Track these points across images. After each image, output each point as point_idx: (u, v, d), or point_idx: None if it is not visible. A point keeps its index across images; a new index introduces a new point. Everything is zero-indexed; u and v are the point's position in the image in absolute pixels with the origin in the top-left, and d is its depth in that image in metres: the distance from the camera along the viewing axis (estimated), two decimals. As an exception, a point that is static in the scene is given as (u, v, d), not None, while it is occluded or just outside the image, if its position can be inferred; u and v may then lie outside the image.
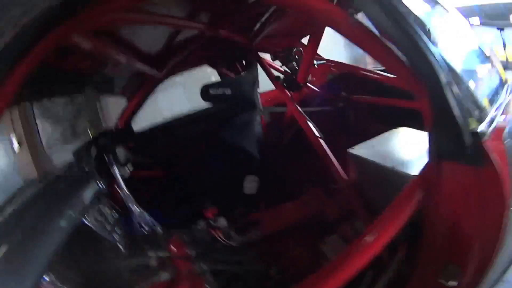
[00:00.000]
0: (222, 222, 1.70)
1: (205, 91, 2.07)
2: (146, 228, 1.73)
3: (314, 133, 1.97)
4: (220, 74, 2.20)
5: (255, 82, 2.14)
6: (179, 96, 3.71)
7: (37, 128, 1.66)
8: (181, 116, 2.62)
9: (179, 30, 1.62)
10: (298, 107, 2.14)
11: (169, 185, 2.36)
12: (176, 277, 1.61)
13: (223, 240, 1.66)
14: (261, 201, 2.18)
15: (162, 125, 2.59)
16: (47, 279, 1.33)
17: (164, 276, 1.65)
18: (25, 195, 1.42)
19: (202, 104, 2.31)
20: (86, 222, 1.56)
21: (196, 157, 2.41)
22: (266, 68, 2.29)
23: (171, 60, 1.96)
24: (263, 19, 1.71)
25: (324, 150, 1.89)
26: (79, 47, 1.26)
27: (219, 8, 1.48)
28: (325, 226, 1.76)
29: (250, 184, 2.12)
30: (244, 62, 2.17)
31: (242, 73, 2.23)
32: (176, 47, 1.83)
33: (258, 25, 1.80)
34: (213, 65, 2.22)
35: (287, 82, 2.29)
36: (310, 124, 2.02)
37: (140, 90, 2.32)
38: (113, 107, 2.38)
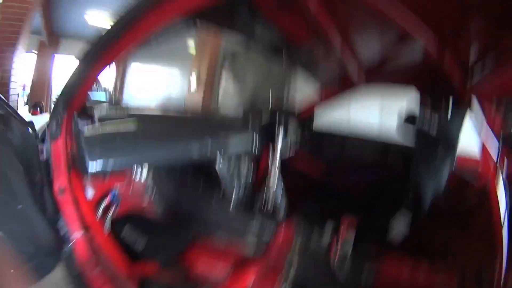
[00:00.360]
0: (350, 237, 1.48)
1: (410, 120, 1.87)
2: (269, 206, 1.72)
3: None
4: (421, 103, 1.90)
5: (460, 129, 1.75)
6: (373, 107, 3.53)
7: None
8: (368, 139, 2.43)
9: (402, 36, 1.43)
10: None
11: (319, 188, 2.29)
12: (259, 260, 1.55)
13: (335, 259, 1.46)
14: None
15: (348, 137, 2.45)
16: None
17: (249, 252, 1.61)
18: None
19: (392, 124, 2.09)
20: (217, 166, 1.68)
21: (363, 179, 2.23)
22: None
23: (381, 68, 1.82)
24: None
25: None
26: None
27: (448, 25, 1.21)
28: None
29: (400, 224, 1.76)
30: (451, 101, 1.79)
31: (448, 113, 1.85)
32: (390, 55, 1.67)
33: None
34: (419, 90, 1.95)
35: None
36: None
37: (335, 88, 2.28)
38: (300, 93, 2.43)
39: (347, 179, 2.22)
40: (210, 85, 5.30)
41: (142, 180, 1.89)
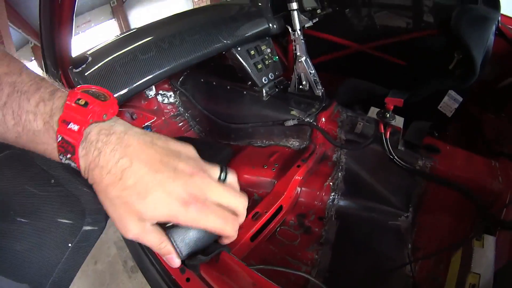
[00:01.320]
0: (400, 123, 1.18)
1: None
2: (306, 87, 1.42)
3: None
4: None
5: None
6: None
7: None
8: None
9: None
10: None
11: (351, 57, 1.87)
12: (306, 152, 1.33)
13: (387, 145, 1.18)
14: (452, 126, 1.47)
15: None
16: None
17: (294, 144, 1.41)
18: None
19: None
20: (233, 50, 1.42)
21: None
22: None
23: None
24: None
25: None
26: None
27: None
28: (491, 219, 1.00)
29: (450, 102, 1.37)
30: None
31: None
32: None
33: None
34: None
35: None
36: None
37: None
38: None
39: (380, 46, 1.76)
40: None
41: (170, 105, 1.78)
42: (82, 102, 0.43)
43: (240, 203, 0.49)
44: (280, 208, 1.19)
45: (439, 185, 1.17)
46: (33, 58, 6.88)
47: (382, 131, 1.17)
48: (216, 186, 0.46)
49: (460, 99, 1.33)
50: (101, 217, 1.15)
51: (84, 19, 7.08)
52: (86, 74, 1.14)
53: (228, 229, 0.47)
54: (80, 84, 1.06)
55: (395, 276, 1.07)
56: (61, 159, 0.45)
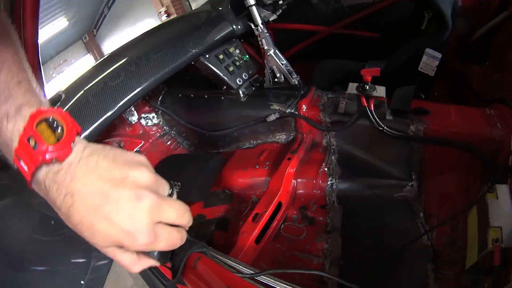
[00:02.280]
0: (382, 92, 1.15)
1: None
2: (281, 79, 1.40)
3: None
4: None
5: None
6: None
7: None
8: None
9: None
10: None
11: (324, 41, 1.85)
12: (295, 143, 1.31)
13: (373, 118, 1.14)
14: (435, 84, 1.46)
15: None
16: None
17: (281, 137, 1.38)
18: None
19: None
20: (202, 59, 1.40)
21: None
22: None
23: None
24: None
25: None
26: None
27: None
28: (500, 168, 0.96)
29: (429, 61, 1.34)
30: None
31: None
32: None
33: None
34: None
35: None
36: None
37: None
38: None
39: (350, 24, 1.74)
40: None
41: (155, 126, 1.76)
42: (32, 142, 0.41)
43: (188, 221, 0.48)
44: (279, 205, 1.16)
45: (437, 147, 1.14)
46: None
47: (365, 104, 1.14)
48: (166, 206, 0.45)
49: (439, 55, 1.30)
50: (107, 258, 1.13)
51: (59, 60, 7.14)
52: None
53: (178, 243, 0.47)
54: None
55: (413, 249, 1.04)
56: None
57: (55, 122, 0.43)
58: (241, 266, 0.61)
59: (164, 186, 0.48)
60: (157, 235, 0.43)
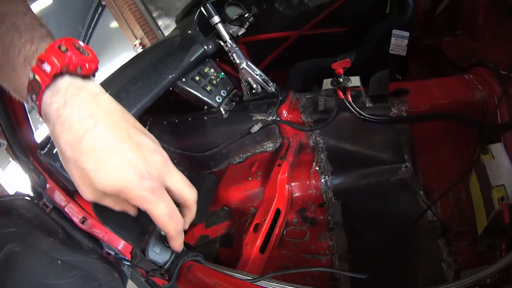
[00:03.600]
0: (356, 81, 1.17)
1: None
2: (259, 90, 1.42)
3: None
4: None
5: None
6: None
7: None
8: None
9: None
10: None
11: (295, 45, 1.90)
12: (283, 149, 1.32)
13: (353, 108, 1.17)
14: (412, 64, 1.50)
15: None
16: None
17: (269, 146, 1.40)
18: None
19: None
20: (179, 83, 1.43)
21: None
22: None
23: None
24: None
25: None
26: None
27: None
28: (490, 128, 0.98)
29: (398, 41, 1.38)
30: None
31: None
32: None
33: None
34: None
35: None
36: None
37: None
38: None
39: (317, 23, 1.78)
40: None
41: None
42: (63, 48, 0.42)
43: (192, 194, 0.49)
44: (278, 212, 1.17)
45: (423, 123, 1.16)
46: (10, 160, 6.88)
47: (342, 97, 1.17)
48: (175, 170, 0.47)
49: (407, 34, 1.35)
50: (118, 283, 1.14)
51: None
52: (54, 152, 1.14)
53: (171, 225, 0.47)
54: (52, 163, 1.11)
55: (421, 228, 1.04)
56: (28, 100, 0.43)
57: (81, 48, 0.44)
58: (239, 274, 0.63)
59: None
60: (162, 193, 0.44)
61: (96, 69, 0.46)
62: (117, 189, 0.41)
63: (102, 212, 0.49)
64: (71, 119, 0.40)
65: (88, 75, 0.44)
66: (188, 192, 0.48)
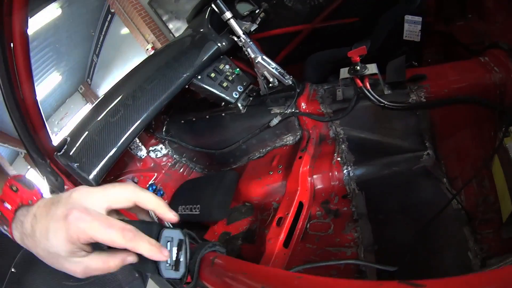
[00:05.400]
0: (373, 69, 1.15)
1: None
2: (275, 83, 1.41)
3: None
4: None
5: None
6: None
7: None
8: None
9: None
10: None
11: (307, 38, 1.89)
12: (303, 142, 1.31)
13: (372, 96, 1.15)
14: (425, 51, 1.47)
15: None
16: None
17: (288, 139, 1.39)
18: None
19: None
20: (195, 81, 1.43)
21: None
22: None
23: None
24: None
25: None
26: None
27: None
28: (509, 109, 0.96)
29: (411, 27, 1.35)
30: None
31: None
32: None
33: None
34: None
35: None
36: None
37: None
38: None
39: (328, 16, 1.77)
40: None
41: (165, 157, 1.78)
42: (14, 188, 0.58)
43: (114, 234, 0.52)
44: (300, 205, 1.16)
45: (443, 108, 1.13)
46: (29, 167, 7.03)
47: (361, 85, 1.15)
48: (89, 220, 0.52)
49: (419, 19, 1.32)
50: (138, 282, 1.14)
51: (60, 114, 7.35)
52: (70, 153, 1.18)
53: (116, 234, 0.52)
54: (69, 164, 1.17)
55: (446, 216, 1.00)
56: (0, 229, 0.58)
57: (26, 183, 0.60)
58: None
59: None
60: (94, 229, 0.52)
61: (41, 197, 0.60)
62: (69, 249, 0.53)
63: None
64: (28, 229, 0.55)
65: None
66: (111, 233, 0.52)
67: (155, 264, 0.56)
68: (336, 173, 1.27)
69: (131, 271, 1.09)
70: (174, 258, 0.58)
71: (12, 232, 0.56)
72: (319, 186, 1.28)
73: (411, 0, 1.26)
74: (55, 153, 1.18)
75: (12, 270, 0.89)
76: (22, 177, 0.61)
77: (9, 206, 0.56)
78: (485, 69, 1.05)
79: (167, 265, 0.57)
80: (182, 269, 0.58)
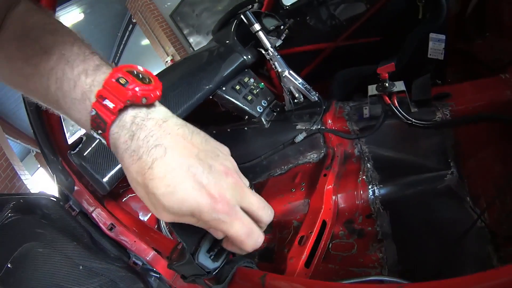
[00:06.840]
0: (401, 86, 1.15)
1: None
2: (301, 99, 1.41)
3: None
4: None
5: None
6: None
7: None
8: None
9: None
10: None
11: (330, 57, 1.90)
12: (327, 159, 1.29)
13: (400, 113, 1.14)
14: (450, 70, 1.47)
15: None
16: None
17: (312, 157, 1.37)
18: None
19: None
20: (220, 92, 1.43)
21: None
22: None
23: None
24: None
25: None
26: None
27: None
28: None
29: (436, 45, 1.35)
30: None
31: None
32: None
33: None
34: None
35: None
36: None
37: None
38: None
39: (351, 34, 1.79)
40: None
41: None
42: (122, 81, 0.42)
43: (268, 216, 0.47)
44: (324, 224, 1.13)
45: (467, 126, 1.12)
46: (39, 166, 7.05)
47: (389, 102, 1.15)
48: (249, 192, 0.45)
49: (443, 37, 1.32)
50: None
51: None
52: (84, 154, 1.14)
53: (250, 243, 0.45)
54: (83, 165, 1.10)
55: (470, 235, 0.98)
56: (92, 133, 0.44)
57: (140, 75, 0.44)
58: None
59: (245, 179, 0.48)
60: (235, 214, 0.43)
61: (161, 95, 0.46)
62: (189, 214, 0.41)
63: None
64: (139, 151, 0.41)
65: (152, 103, 0.45)
66: (264, 215, 0.46)
67: (198, 244, 0.55)
68: (361, 192, 1.25)
69: (136, 282, 1.07)
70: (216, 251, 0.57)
71: (109, 137, 0.43)
72: (342, 205, 1.25)
73: (436, 17, 1.26)
74: (69, 151, 1.15)
75: (8, 265, 0.86)
76: (135, 67, 0.45)
77: (110, 104, 0.40)
78: (507, 86, 1.05)
79: (207, 253, 0.56)
80: (217, 263, 0.57)
